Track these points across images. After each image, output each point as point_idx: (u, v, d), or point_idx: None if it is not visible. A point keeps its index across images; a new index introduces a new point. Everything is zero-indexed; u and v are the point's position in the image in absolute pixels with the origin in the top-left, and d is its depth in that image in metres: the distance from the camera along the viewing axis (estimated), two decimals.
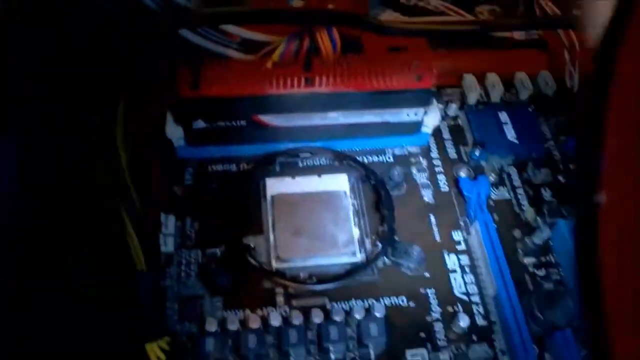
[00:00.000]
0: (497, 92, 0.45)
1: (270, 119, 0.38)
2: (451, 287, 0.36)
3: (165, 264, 0.35)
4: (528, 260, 0.38)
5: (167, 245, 0.35)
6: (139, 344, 0.28)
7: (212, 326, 0.32)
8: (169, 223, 0.36)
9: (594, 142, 0.16)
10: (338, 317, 0.33)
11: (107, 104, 0.29)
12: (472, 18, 0.51)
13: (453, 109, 0.44)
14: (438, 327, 0.34)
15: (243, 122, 0.38)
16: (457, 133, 0.44)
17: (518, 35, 0.50)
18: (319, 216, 0.37)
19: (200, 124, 0.37)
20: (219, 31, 0.41)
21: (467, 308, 0.35)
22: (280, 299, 0.35)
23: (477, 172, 0.41)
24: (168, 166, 0.38)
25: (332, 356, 0.33)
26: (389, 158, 0.42)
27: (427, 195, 0.40)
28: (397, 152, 0.42)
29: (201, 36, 0.40)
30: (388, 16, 0.49)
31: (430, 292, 0.36)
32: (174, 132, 0.38)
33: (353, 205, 0.38)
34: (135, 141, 0.32)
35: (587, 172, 0.17)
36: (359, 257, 0.36)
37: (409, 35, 0.43)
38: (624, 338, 0.16)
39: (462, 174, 0.41)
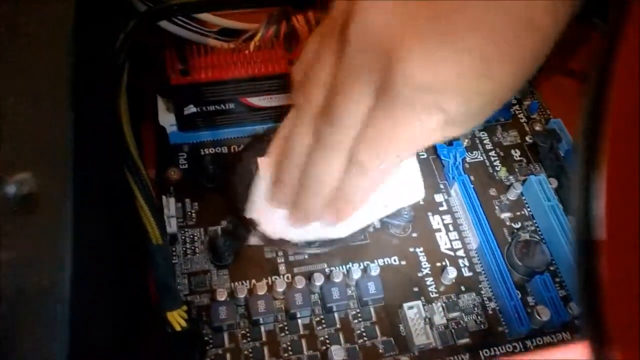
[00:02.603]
0: None
1: (257, 100, 0.40)
2: (437, 245, 0.39)
3: (171, 244, 0.36)
4: (504, 215, 0.41)
5: (171, 226, 0.36)
6: (160, 313, 0.30)
7: (222, 296, 0.34)
8: (170, 205, 0.37)
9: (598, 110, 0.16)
10: (338, 279, 0.36)
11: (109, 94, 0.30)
12: None
13: None
14: (429, 281, 0.37)
15: (232, 105, 0.40)
16: None
17: None
18: None
19: (191, 109, 0.39)
20: (198, 21, 0.42)
21: (454, 262, 0.38)
22: (282, 268, 0.37)
23: (452, 138, 0.44)
24: (163, 152, 0.40)
25: (336, 315, 0.35)
26: None
27: None
28: None
29: (181, 27, 0.42)
30: None
31: (419, 250, 0.39)
32: (166, 119, 0.40)
33: None
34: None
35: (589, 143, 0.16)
36: None
37: None
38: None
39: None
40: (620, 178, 0.16)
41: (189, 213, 0.38)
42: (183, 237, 0.37)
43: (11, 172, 0.16)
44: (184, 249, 0.37)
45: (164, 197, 0.37)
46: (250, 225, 0.37)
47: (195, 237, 0.38)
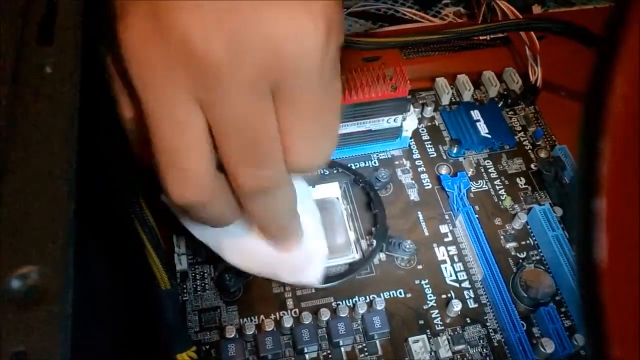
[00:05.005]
0: (467, 92, 0.49)
1: None
2: (443, 276, 0.40)
3: (181, 281, 0.38)
4: (510, 245, 0.41)
5: (182, 263, 0.38)
6: (170, 355, 0.31)
7: (231, 333, 0.35)
8: (181, 243, 0.39)
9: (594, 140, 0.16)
10: (343, 313, 0.37)
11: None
12: (440, 23, 0.55)
13: (429, 111, 0.48)
14: (434, 313, 0.38)
15: None
16: (434, 133, 0.47)
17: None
18: None
19: None
20: None
21: (459, 294, 0.39)
22: (290, 303, 0.38)
23: (456, 168, 0.45)
24: None
25: (342, 349, 0.36)
26: (375, 163, 0.45)
27: (413, 194, 0.43)
28: (382, 156, 0.45)
29: None
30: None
31: (424, 282, 0.39)
32: None
33: (346, 209, 0.41)
34: None
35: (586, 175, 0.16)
36: (357, 257, 0.39)
37: (381, 49, 0.46)
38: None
39: (443, 171, 0.44)
40: (621, 203, 0.16)
41: (199, 250, 0.40)
42: (193, 274, 0.39)
43: (15, 266, 0.17)
44: (195, 285, 0.38)
45: (174, 235, 0.39)
46: None
47: (205, 274, 0.39)
